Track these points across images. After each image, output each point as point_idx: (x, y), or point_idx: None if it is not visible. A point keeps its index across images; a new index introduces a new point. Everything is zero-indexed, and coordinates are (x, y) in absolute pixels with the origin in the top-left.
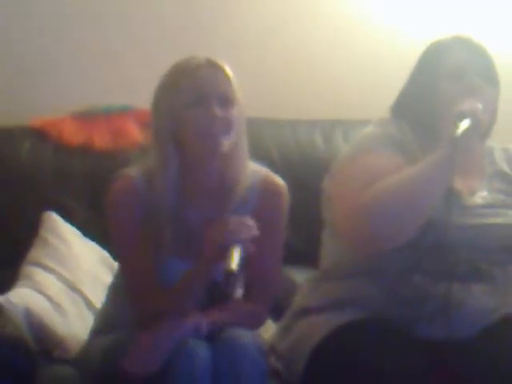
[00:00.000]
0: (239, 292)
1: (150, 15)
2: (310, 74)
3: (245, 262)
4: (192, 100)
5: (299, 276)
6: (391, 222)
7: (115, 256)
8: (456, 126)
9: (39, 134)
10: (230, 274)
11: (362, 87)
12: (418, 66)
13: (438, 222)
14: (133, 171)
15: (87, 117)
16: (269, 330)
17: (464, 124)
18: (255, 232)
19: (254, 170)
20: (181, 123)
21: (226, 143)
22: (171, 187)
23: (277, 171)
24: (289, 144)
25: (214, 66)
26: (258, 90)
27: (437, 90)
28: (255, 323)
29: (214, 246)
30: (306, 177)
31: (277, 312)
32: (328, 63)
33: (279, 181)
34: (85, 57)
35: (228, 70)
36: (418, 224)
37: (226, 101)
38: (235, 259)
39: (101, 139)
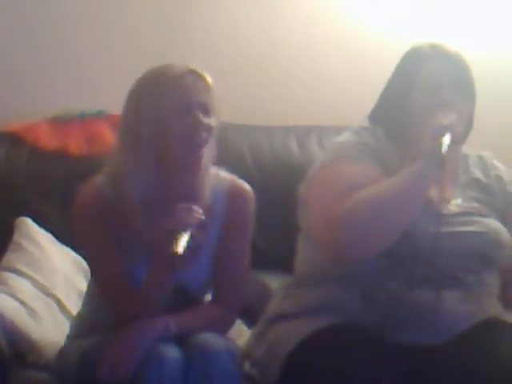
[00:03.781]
0: (207, 296)
1: (126, 20)
2: (285, 80)
3: (196, 249)
4: (176, 108)
5: (274, 282)
6: (366, 235)
7: (86, 262)
8: (439, 144)
9: (14, 139)
10: (175, 256)
11: (337, 93)
12: (394, 75)
13: (413, 231)
14: (99, 179)
15: (62, 122)
16: (243, 335)
17: (446, 139)
18: (201, 217)
19: (220, 177)
20: (163, 130)
21: (205, 153)
22: (143, 192)
23: (251, 177)
24: (263, 150)
25: (196, 75)
26: (233, 96)
27: (411, 101)
28: (223, 327)
29: (163, 233)
30: (281, 182)
31: (251, 318)
32: (303, 69)
33: (246, 186)
34: (59, 62)
35: (209, 79)
36: (394, 237)
37: (208, 110)
38: (181, 242)
39: (76, 144)
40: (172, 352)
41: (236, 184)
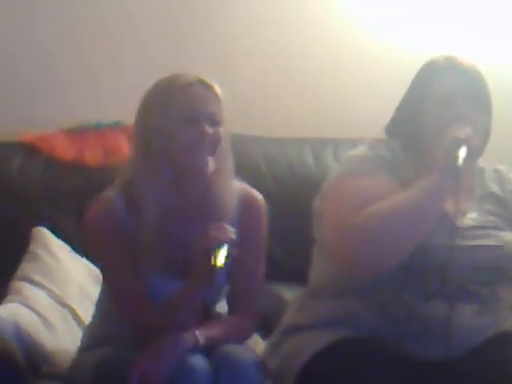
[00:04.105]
0: (224, 306)
1: (141, 32)
2: (300, 92)
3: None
4: (184, 117)
5: (288, 293)
6: (379, 248)
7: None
8: (455, 156)
9: (30, 150)
10: (216, 269)
11: (352, 106)
12: (410, 88)
13: (428, 244)
14: (109, 193)
15: (78, 132)
16: (258, 347)
17: (462, 152)
18: (233, 236)
19: (234, 187)
20: (170, 139)
21: (211, 162)
22: (158, 202)
23: (267, 188)
24: (279, 162)
25: (205, 85)
26: (248, 108)
27: (426, 113)
28: (243, 336)
29: (199, 251)
30: (296, 194)
31: (266, 329)
32: (319, 81)
33: (257, 194)
34: (76, 72)
35: (218, 89)
36: (409, 249)
37: (216, 120)
38: (220, 256)
39: (92, 154)
40: (202, 364)
41: (248, 193)
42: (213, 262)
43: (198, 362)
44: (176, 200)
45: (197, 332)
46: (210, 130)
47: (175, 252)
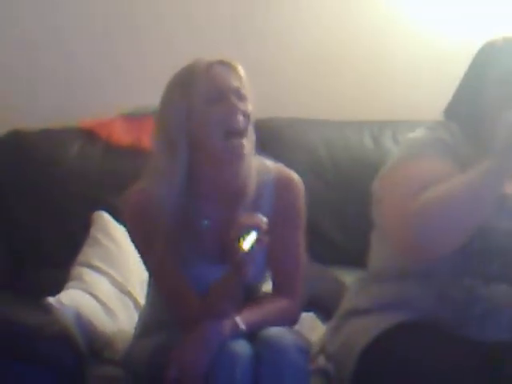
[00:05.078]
0: (268, 287)
1: (192, 20)
2: (358, 76)
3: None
4: (211, 96)
5: (347, 277)
6: (439, 232)
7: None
8: None
9: (89, 135)
10: (242, 254)
11: (411, 88)
12: (469, 69)
13: (488, 226)
14: (142, 183)
15: (136, 117)
16: (318, 330)
17: None
18: (262, 223)
19: (267, 167)
20: (197, 120)
21: (246, 144)
22: (179, 188)
23: (325, 172)
24: (338, 145)
25: (226, 64)
26: (307, 91)
27: (485, 94)
28: (290, 319)
29: (232, 239)
30: (355, 177)
31: (326, 313)
32: (378, 64)
33: (293, 174)
34: (134, 58)
35: (240, 68)
36: (468, 233)
37: (242, 95)
38: (247, 241)
39: (149, 140)
40: (243, 348)
41: (282, 172)
42: (239, 247)
43: (240, 346)
44: (201, 189)
45: (237, 318)
46: (239, 103)
47: (205, 237)
